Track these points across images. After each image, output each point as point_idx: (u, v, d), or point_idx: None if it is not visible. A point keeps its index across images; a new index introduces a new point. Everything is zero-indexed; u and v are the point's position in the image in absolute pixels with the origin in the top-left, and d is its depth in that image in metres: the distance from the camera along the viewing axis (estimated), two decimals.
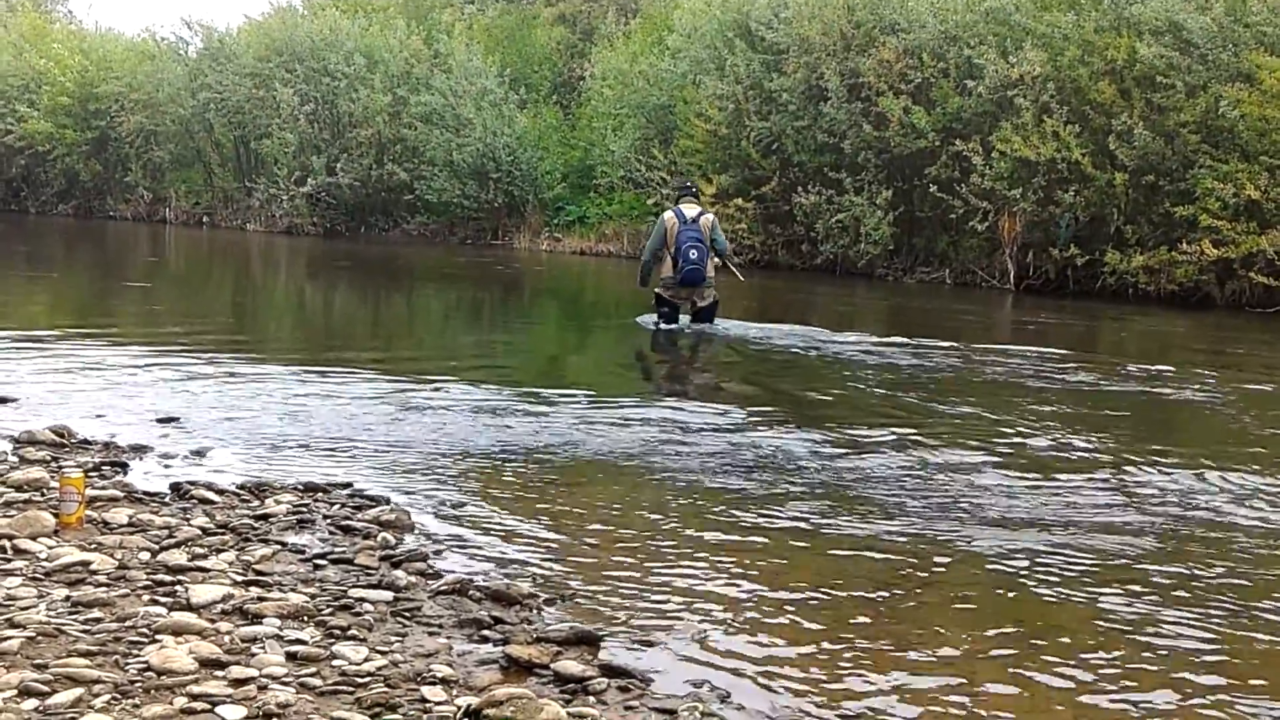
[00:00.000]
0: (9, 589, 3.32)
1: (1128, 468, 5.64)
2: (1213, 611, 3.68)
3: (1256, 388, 8.84)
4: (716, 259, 10.61)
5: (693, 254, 10.19)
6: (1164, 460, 5.83)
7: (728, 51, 21.14)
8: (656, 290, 10.63)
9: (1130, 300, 16.38)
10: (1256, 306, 15.50)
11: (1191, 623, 3.58)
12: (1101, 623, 3.55)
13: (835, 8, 19.89)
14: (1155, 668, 3.23)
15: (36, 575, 3.46)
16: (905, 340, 10.40)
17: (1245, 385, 8.82)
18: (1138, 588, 3.87)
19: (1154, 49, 16.35)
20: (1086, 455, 5.94)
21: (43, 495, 4.26)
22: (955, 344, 10.38)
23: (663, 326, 10.62)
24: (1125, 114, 16.51)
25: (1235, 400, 8.05)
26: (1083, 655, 3.29)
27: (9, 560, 3.56)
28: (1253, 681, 3.17)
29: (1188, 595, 3.82)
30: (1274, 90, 15.45)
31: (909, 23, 19.16)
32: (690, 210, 10.51)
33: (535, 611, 3.47)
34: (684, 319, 10.63)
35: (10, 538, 3.72)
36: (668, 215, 10.58)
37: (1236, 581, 4.00)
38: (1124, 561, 4.17)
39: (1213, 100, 15.98)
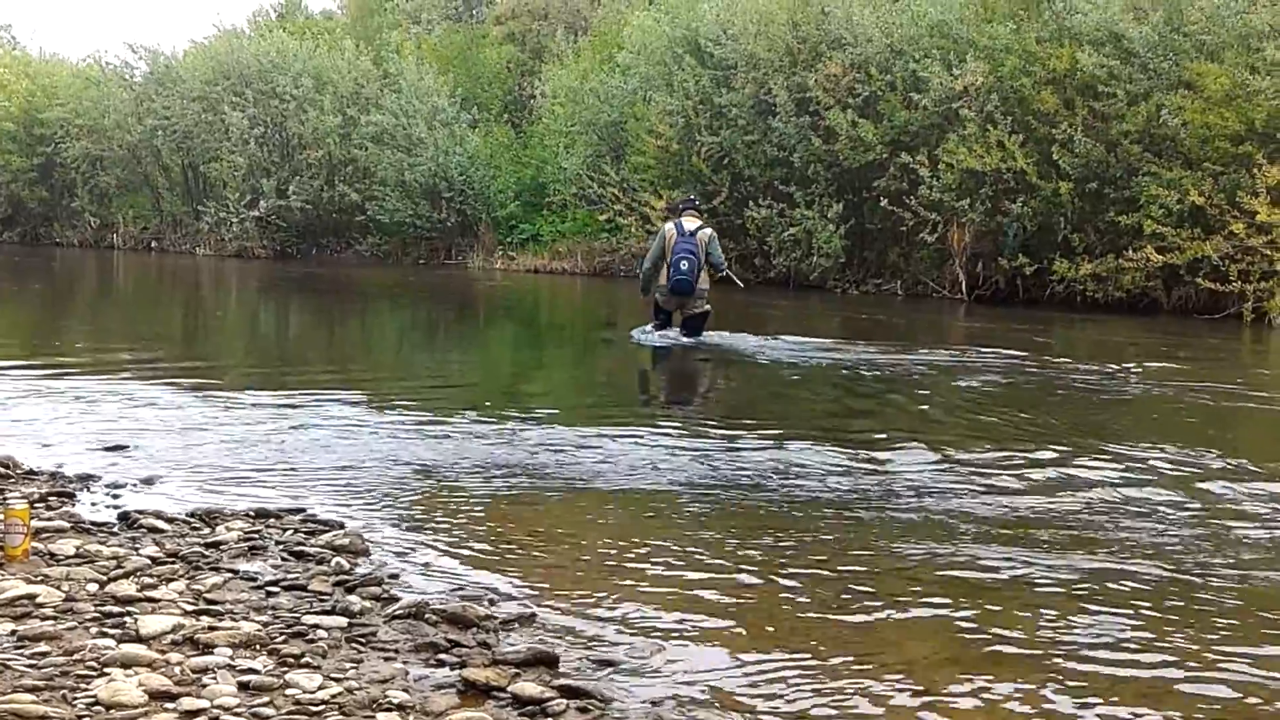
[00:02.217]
0: None
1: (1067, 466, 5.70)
2: (1182, 626, 3.71)
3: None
4: (712, 271, 10.98)
5: (683, 265, 10.59)
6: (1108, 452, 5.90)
7: (677, 68, 21.26)
8: (655, 298, 11.11)
9: (1079, 308, 16.59)
10: (1203, 312, 15.75)
11: (1160, 642, 3.60)
12: (1060, 630, 3.57)
13: (781, 24, 20.06)
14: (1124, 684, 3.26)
15: None
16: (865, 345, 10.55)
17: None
18: (1100, 596, 3.90)
19: (1095, 58, 16.61)
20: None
21: None
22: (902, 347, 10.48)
23: (656, 336, 11.06)
24: (1068, 123, 16.75)
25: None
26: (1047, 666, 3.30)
27: None
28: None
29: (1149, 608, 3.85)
30: (1215, 97, 15.72)
31: (855, 37, 19.37)
32: (690, 224, 10.88)
33: (493, 633, 3.43)
34: (674, 331, 11.06)
35: None
36: (668, 227, 11.02)
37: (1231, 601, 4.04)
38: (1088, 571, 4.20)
39: (1154, 108, 16.24)
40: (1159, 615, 3.69)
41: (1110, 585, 3.97)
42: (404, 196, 26.02)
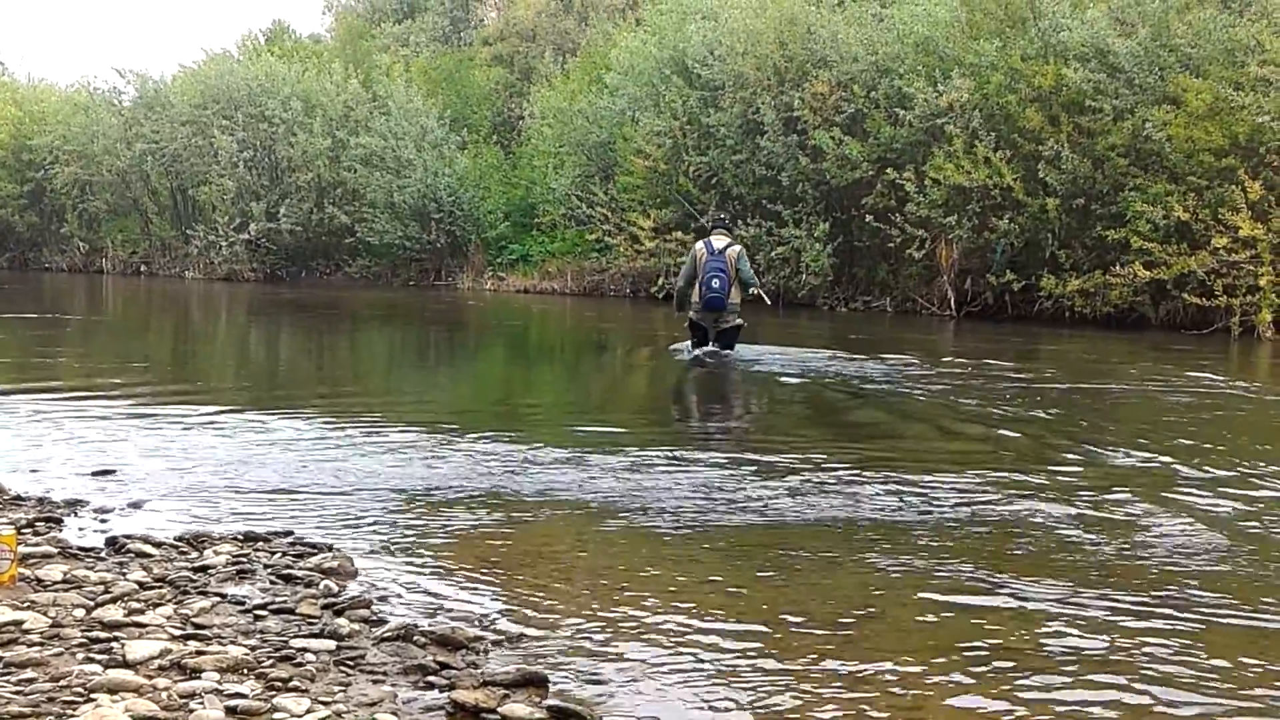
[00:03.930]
0: None
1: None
2: (1184, 635, 3.71)
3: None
4: (742, 288, 11.37)
5: (714, 282, 11.08)
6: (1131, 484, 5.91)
7: (665, 88, 21.35)
8: (690, 317, 11.57)
9: (1067, 323, 16.65)
10: (1191, 327, 15.80)
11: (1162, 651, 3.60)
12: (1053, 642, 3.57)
13: (768, 43, 20.16)
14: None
15: None
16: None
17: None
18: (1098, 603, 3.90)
19: (1080, 74, 16.71)
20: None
21: None
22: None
23: (692, 351, 11.55)
24: (1053, 140, 16.84)
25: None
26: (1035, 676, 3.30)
27: None
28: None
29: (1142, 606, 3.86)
30: (1199, 111, 15.83)
31: (840, 56, 19.48)
32: (719, 242, 11.34)
33: (482, 655, 3.42)
34: (711, 346, 11.47)
35: None
36: (698, 246, 11.50)
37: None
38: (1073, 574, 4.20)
39: (1140, 123, 16.33)
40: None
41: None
42: (393, 218, 26.05)
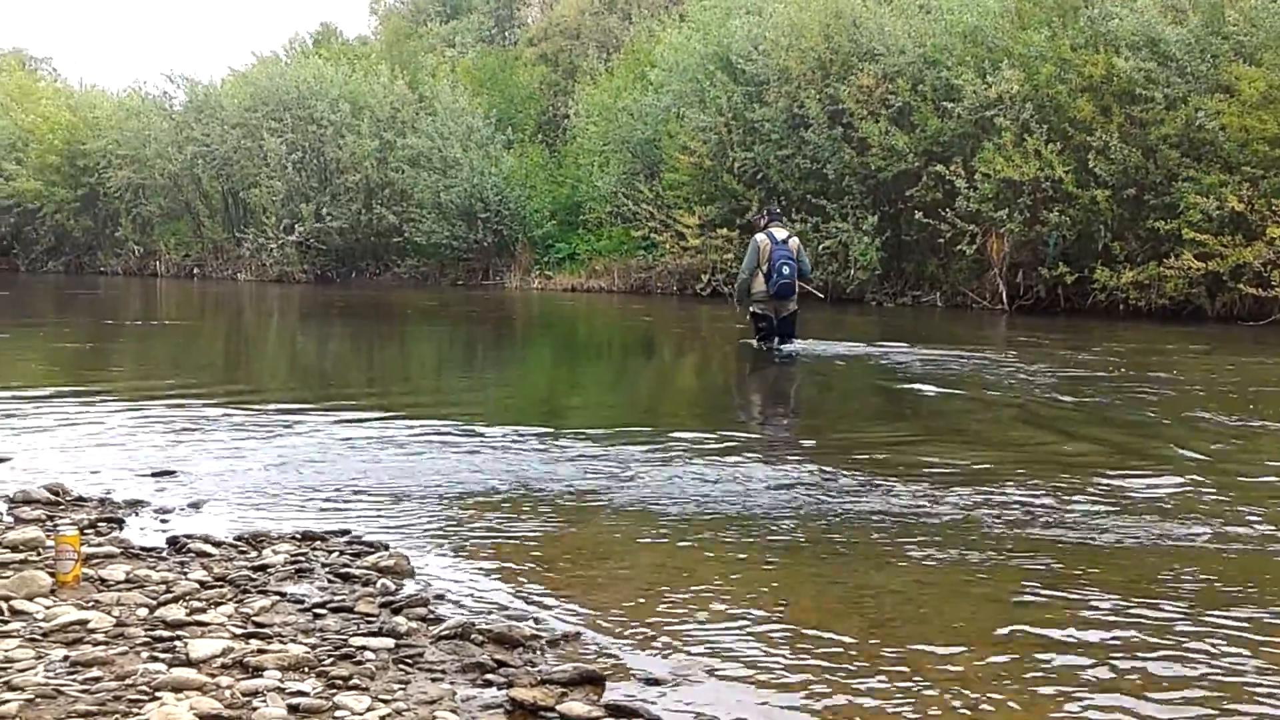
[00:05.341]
0: (7, 651, 3.28)
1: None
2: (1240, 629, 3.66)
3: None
4: (801, 279, 11.76)
5: (785, 270, 11.40)
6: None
7: (709, 84, 21.29)
8: (751, 310, 11.80)
9: (1122, 316, 16.42)
10: (1248, 319, 15.54)
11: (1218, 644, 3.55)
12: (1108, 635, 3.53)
13: (813, 36, 20.05)
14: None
15: (34, 636, 3.42)
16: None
17: None
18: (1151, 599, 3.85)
19: (1131, 63, 16.47)
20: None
21: (39, 555, 4.23)
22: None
23: (761, 343, 11.74)
24: (1103, 130, 16.61)
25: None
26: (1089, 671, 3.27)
27: (6, 622, 3.53)
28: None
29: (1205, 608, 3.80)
30: (1253, 100, 15.56)
31: (887, 48, 19.32)
32: (780, 233, 11.72)
33: (539, 653, 3.44)
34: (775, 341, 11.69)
35: (7, 599, 3.69)
36: (760, 237, 11.70)
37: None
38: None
39: (1193, 112, 16.07)
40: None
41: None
42: (440, 218, 26.19)
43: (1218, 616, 3.71)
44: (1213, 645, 3.47)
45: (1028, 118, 17.31)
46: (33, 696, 2.97)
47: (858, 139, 19.05)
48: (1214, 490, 5.50)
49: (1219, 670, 3.29)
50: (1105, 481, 5.67)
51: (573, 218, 25.68)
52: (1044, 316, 16.92)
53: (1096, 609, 3.79)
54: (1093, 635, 3.55)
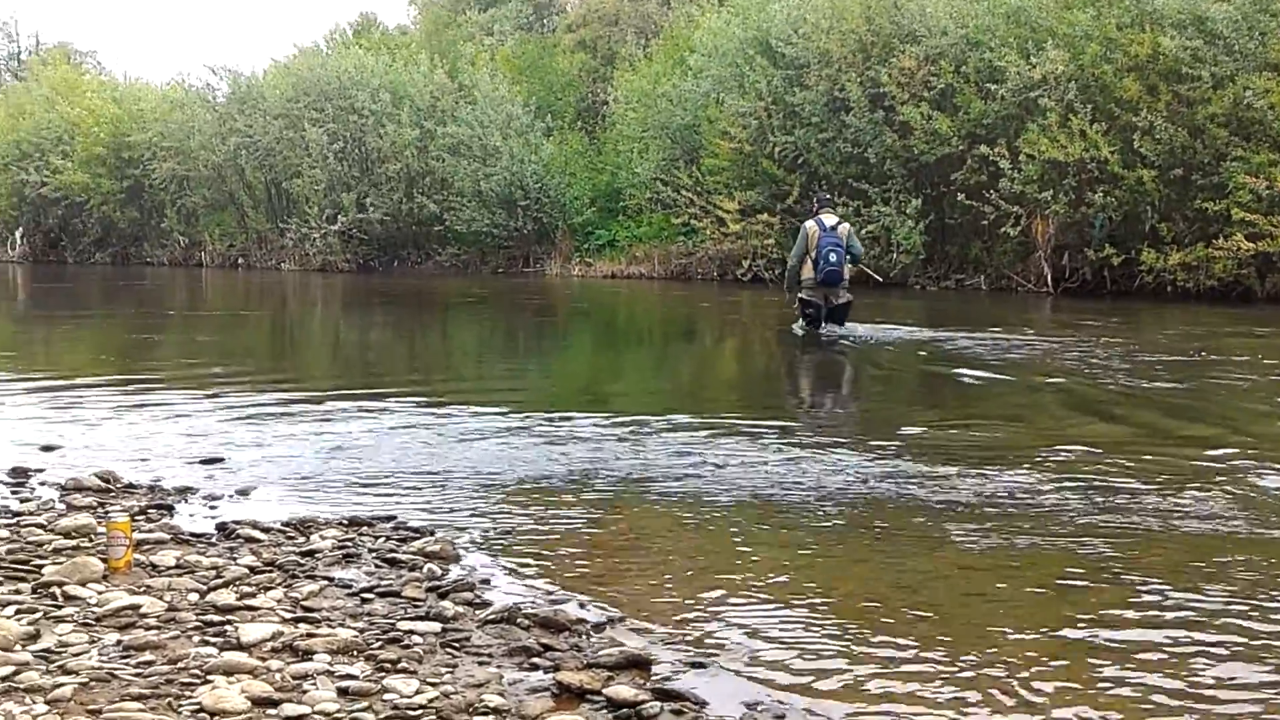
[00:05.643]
0: (61, 635, 3.34)
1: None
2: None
3: None
4: (852, 263, 11.66)
5: (832, 257, 11.30)
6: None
7: (749, 69, 21.17)
8: (800, 296, 11.73)
9: (1170, 298, 16.21)
10: None
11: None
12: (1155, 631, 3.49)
13: (854, 19, 19.88)
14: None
15: (87, 621, 3.48)
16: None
17: None
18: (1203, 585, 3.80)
19: (1178, 41, 16.21)
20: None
21: (91, 541, 4.29)
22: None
23: (807, 329, 11.68)
24: (1149, 109, 16.36)
25: None
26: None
27: (60, 607, 3.59)
28: None
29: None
30: None
31: (929, 30, 19.13)
32: (829, 219, 11.61)
33: (584, 637, 3.45)
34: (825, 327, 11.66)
35: (60, 584, 3.74)
36: (809, 225, 11.62)
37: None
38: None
39: (1240, 91, 15.81)
40: None
41: None
42: (481, 206, 26.24)
43: (1266, 601, 3.66)
44: (1266, 629, 3.43)
45: (1072, 98, 17.09)
46: (87, 680, 3.02)
47: (900, 122, 18.89)
48: None
49: (1274, 655, 3.25)
50: (1175, 465, 5.61)
51: (612, 204, 25.65)
52: (1090, 299, 16.72)
53: (1149, 595, 3.75)
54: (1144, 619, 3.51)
